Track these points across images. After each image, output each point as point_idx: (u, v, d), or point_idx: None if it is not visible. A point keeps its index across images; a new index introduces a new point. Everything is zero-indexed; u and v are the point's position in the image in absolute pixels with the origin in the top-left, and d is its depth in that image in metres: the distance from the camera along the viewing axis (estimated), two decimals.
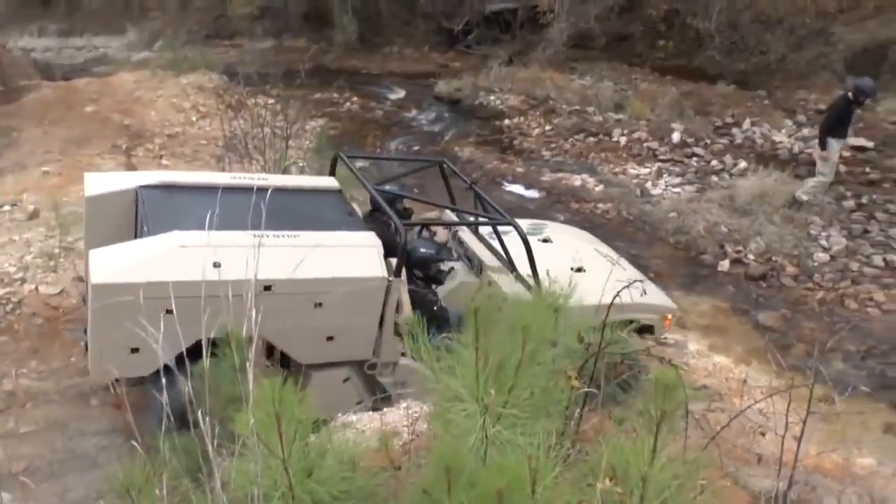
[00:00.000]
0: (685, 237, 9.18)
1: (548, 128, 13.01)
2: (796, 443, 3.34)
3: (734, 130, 12.32)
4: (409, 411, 3.94)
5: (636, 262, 7.90)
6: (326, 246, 4.66)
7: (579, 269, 5.85)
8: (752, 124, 12.43)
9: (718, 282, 8.57)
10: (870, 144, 11.60)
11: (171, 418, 2.44)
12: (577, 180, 10.94)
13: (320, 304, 4.61)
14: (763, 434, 5.60)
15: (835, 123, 9.46)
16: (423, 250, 5.25)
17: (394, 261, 4.76)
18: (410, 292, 4.98)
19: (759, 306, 8.11)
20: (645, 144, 11.86)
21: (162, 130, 11.22)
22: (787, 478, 3.43)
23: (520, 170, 11.50)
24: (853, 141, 11.67)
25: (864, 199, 10.13)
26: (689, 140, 11.86)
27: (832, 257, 8.80)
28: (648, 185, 10.66)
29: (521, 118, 13.53)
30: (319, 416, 3.17)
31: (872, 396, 6.65)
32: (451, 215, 6.04)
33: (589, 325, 4.97)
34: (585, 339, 3.26)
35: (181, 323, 3.10)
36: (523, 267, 5.39)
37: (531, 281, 5.25)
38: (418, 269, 5.23)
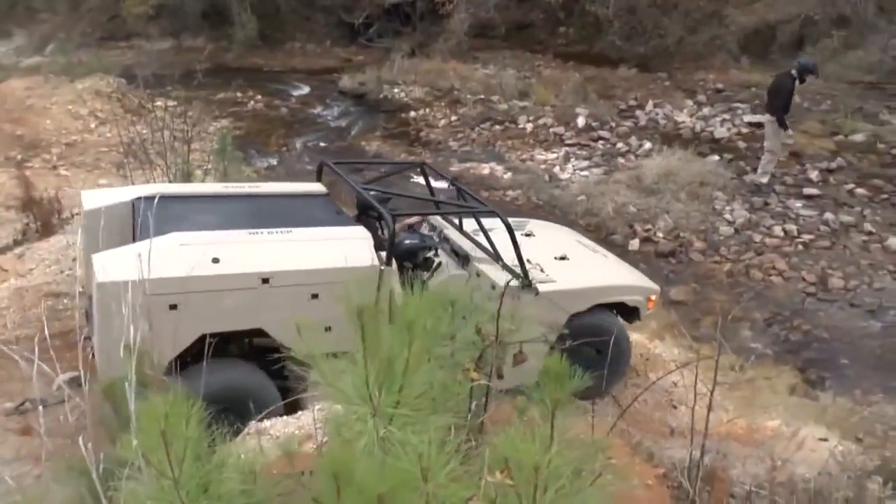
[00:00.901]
0: (595, 219, 9.22)
1: (454, 118, 12.94)
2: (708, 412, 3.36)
3: (638, 112, 12.53)
4: (323, 413, 3.77)
5: None
6: (320, 239, 4.89)
7: (563, 258, 6.02)
8: (655, 106, 12.67)
9: (630, 261, 8.60)
10: (764, 121, 11.97)
11: None
12: (485, 169, 10.88)
13: (317, 296, 4.70)
14: (675, 407, 5.65)
15: (784, 101, 9.73)
16: (407, 241, 5.46)
17: (384, 254, 4.90)
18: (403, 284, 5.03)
19: (669, 282, 8.20)
20: (551, 130, 11.91)
21: (59, 139, 10.58)
22: (700, 447, 3.41)
23: (428, 161, 11.36)
24: (750, 118, 12.06)
25: None
26: (595, 124, 11.98)
27: (736, 230, 9.00)
28: (556, 169, 10.68)
29: (427, 110, 13.41)
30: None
31: (778, 360, 6.83)
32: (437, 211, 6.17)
33: (576, 308, 5.50)
34: (483, 330, 3.14)
35: (184, 318, 3.43)
36: (509, 259, 5.45)
37: (518, 270, 5.34)
38: (407, 259, 5.39)
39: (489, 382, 2.81)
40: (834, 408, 5.94)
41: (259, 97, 14.27)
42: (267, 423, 3.96)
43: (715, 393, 3.50)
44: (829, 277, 8.08)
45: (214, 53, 16.25)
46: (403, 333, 1.93)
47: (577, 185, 10.01)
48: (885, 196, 9.71)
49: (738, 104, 12.63)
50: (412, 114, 13.33)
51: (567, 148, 11.34)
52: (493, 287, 5.20)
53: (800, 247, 8.69)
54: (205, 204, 5.24)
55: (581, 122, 11.98)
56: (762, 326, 7.43)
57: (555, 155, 11.13)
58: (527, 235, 6.26)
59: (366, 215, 5.71)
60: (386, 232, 4.97)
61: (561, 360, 2.12)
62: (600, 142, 11.48)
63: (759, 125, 11.78)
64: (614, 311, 5.91)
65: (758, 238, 8.86)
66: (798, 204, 9.59)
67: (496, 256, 5.56)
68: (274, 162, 11.15)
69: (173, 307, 4.19)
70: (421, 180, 6.70)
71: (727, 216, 9.25)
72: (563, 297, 5.52)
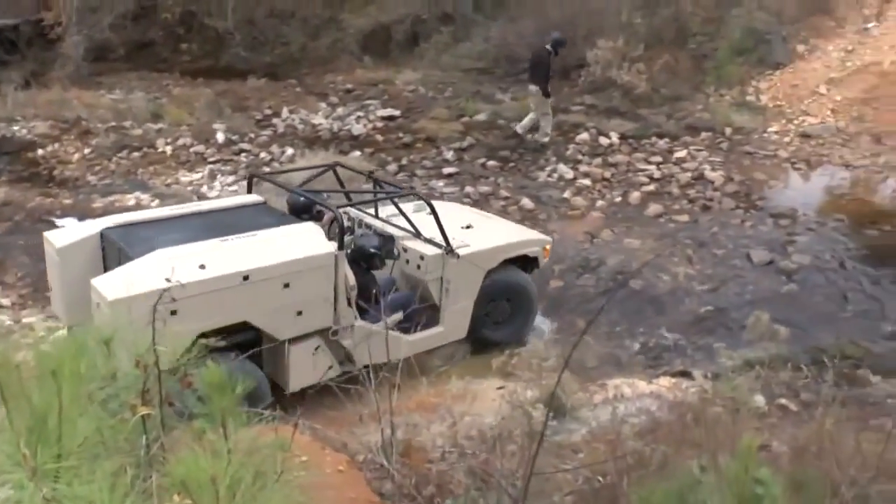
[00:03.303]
0: None
1: (87, 150, 11.78)
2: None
3: (275, 121, 12.59)
4: None
5: None
6: (281, 237, 5.73)
7: (468, 227, 6.95)
8: (291, 112, 12.83)
9: None
10: (397, 113, 12.79)
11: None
12: (130, 200, 10.10)
13: (288, 285, 5.46)
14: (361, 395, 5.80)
15: (545, 72, 10.96)
16: (366, 244, 6.18)
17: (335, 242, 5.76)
18: (355, 273, 5.91)
19: None
20: (191, 150, 11.45)
21: None
22: (390, 425, 3.53)
23: (68, 201, 10.20)
24: (382, 112, 12.76)
25: (405, 161, 11.14)
26: (235, 137, 11.78)
27: None
28: (204, 188, 10.31)
29: (57, 145, 11.99)
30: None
31: None
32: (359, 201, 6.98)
33: (490, 265, 6.67)
34: (142, 362, 3.01)
35: (184, 321, 4.01)
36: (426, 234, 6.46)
37: (439, 241, 6.34)
38: (366, 260, 6.15)
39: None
40: (504, 357, 6.48)
41: None
42: None
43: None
44: None
45: None
46: (51, 382, 1.76)
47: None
48: (511, 164, 10.91)
49: (370, 101, 13.30)
50: (40, 152, 11.82)
51: (211, 165, 11.00)
52: (422, 258, 6.36)
53: None
54: (163, 226, 5.88)
55: (221, 137, 11.71)
56: None
57: (200, 174, 10.73)
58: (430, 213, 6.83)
59: (297, 215, 6.40)
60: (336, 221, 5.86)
61: (219, 371, 2.10)
62: (243, 154, 11.32)
63: (393, 118, 12.59)
64: (517, 266, 7.03)
65: None
66: (440, 183, 10.38)
67: (417, 233, 6.47)
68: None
69: (174, 313, 4.38)
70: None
71: None
72: (479, 258, 6.60)
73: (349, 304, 5.82)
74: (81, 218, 9.72)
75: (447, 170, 10.71)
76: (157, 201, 10.04)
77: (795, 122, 12.09)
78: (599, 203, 9.80)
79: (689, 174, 10.46)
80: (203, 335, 3.35)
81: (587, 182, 10.28)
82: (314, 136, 12.00)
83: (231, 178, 10.52)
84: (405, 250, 6.48)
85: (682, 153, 11.04)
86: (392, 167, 10.87)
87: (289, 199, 6.64)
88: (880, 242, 8.94)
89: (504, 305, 7.00)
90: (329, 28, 15.46)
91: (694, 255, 8.38)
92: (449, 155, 11.20)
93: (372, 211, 6.93)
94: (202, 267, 5.10)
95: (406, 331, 6.20)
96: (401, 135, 12.00)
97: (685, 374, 6.38)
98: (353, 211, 6.87)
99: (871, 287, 8.10)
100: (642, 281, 8.01)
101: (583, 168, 10.63)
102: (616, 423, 4.59)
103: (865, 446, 3.29)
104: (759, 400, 5.44)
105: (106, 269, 5.58)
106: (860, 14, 13.86)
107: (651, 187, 10.15)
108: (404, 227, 6.51)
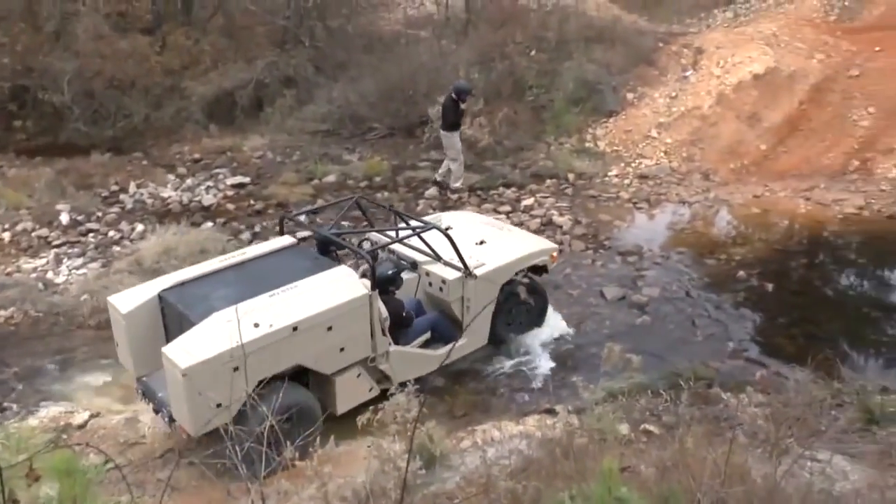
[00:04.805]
0: (104, 315, 8.88)
1: None
2: None
3: (123, 196, 12.37)
4: None
5: None
6: (320, 285, 6.44)
7: (482, 243, 7.93)
8: (139, 186, 12.66)
9: None
10: (247, 180, 12.93)
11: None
12: None
13: (330, 328, 6.29)
14: None
15: (452, 119, 11.89)
16: (386, 271, 6.95)
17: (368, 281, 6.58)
18: (384, 301, 6.77)
19: None
20: (33, 234, 11.07)
21: None
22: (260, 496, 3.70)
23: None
24: (232, 180, 12.86)
25: (258, 228, 11.27)
26: (80, 217, 11.51)
27: None
28: (50, 275, 10.00)
29: None
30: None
31: None
32: (383, 234, 7.68)
33: (503, 280, 7.63)
34: None
35: (244, 374, 5.07)
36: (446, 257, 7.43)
37: (456, 262, 7.24)
38: (389, 284, 6.95)
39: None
40: (368, 413, 6.68)
41: None
42: None
43: None
44: None
45: None
46: None
47: (77, 286, 9.56)
48: (364, 223, 11.15)
49: (218, 170, 13.34)
50: None
51: (56, 249, 10.69)
52: (444, 282, 7.29)
53: None
54: (214, 282, 6.65)
55: (65, 218, 11.42)
56: None
57: (44, 260, 10.42)
58: (447, 230, 7.55)
59: (326, 251, 7.34)
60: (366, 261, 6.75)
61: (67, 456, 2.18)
62: (90, 235, 11.08)
63: (243, 185, 12.72)
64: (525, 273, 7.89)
65: None
66: None
67: (437, 257, 7.42)
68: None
69: (236, 369, 5.51)
70: None
71: None
72: (494, 275, 7.53)
73: (383, 333, 6.71)
74: None
75: (301, 234, 10.93)
76: None
77: (633, 164, 13.21)
78: None
79: (538, 220, 11.20)
80: (260, 381, 5.34)
81: None
82: (164, 210, 11.93)
83: (79, 261, 10.29)
84: (427, 274, 7.49)
85: (529, 201, 11.81)
86: (246, 235, 10.98)
87: (316, 236, 7.56)
88: (719, 270, 10.01)
89: (520, 309, 8.03)
90: (172, 97, 15.35)
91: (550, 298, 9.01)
92: (301, 218, 11.41)
93: (393, 234, 7.72)
94: (256, 325, 5.82)
95: (434, 347, 7.34)
96: (252, 202, 12.15)
97: (551, 412, 6.82)
98: (374, 236, 7.78)
99: (715, 312, 9.07)
100: None
101: None
102: (485, 466, 4.98)
103: (718, 456, 3.84)
104: (624, 428, 5.92)
105: (166, 328, 6.46)
106: (679, 63, 15.31)
107: None
108: (427, 252, 7.49)
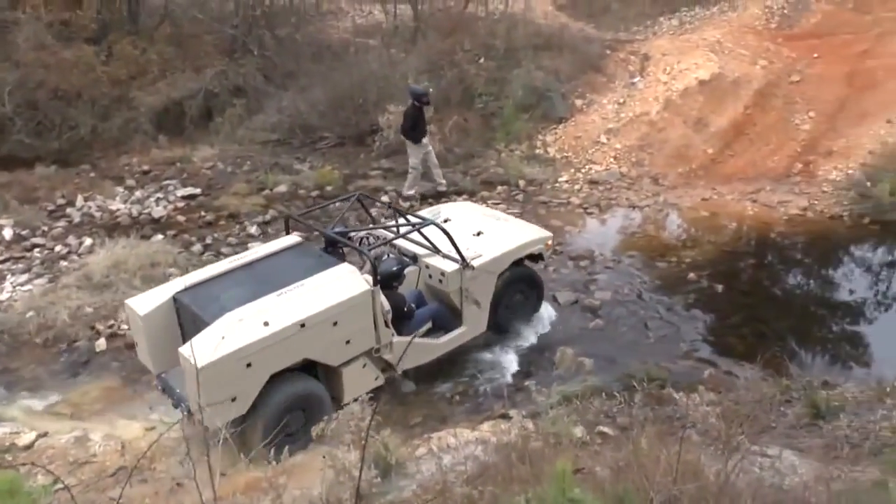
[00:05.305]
0: (52, 331, 8.73)
1: None
2: None
3: (69, 210, 12.09)
4: None
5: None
6: (325, 283, 6.76)
7: (479, 234, 8.22)
8: (86, 199, 12.39)
9: (101, 363, 8.45)
10: (197, 191, 12.75)
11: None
12: None
13: (336, 323, 6.65)
14: None
15: (413, 126, 11.84)
16: (390, 268, 7.41)
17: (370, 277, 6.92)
18: (388, 296, 7.12)
19: None
20: None
21: None
22: None
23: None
24: (182, 192, 12.68)
25: (209, 240, 11.13)
26: (25, 232, 11.23)
27: None
28: None
29: None
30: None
31: None
32: (385, 230, 8.09)
33: (500, 269, 7.98)
34: None
35: (257, 369, 6.13)
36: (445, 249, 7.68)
37: (454, 255, 7.54)
38: (392, 280, 7.36)
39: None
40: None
41: None
42: None
43: None
44: None
45: None
46: None
47: (22, 302, 9.31)
48: (316, 233, 11.13)
49: (168, 181, 13.10)
50: None
51: None
52: (443, 274, 7.62)
53: None
54: (224, 282, 6.99)
55: (8, 233, 11.12)
56: None
57: None
58: (445, 221, 8.10)
59: (332, 247, 7.60)
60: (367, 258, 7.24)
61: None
62: (36, 250, 10.80)
63: (193, 196, 12.55)
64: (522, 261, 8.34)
65: None
66: None
67: (436, 250, 7.71)
68: None
69: (249, 365, 6.12)
70: None
71: None
72: (491, 265, 7.86)
73: (386, 325, 7.07)
74: None
75: (252, 244, 10.84)
76: None
77: (583, 170, 13.35)
78: None
79: None
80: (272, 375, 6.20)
81: None
82: (113, 223, 11.68)
83: (24, 277, 10.02)
84: (427, 267, 7.82)
85: None
86: (197, 247, 10.84)
87: (324, 236, 7.78)
88: (669, 273, 10.20)
89: (518, 296, 8.41)
90: (119, 107, 15.03)
91: None
92: (253, 229, 11.38)
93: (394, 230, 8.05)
94: (266, 324, 6.23)
95: (435, 336, 7.66)
96: (203, 213, 11.98)
97: (505, 417, 6.84)
98: (379, 232, 8.08)
99: (666, 314, 9.24)
100: None
101: None
102: (441, 473, 4.99)
103: (671, 455, 3.90)
104: (579, 430, 6.00)
105: (182, 328, 6.82)
106: (626, 70, 15.56)
107: None
108: (426, 245, 7.75)
